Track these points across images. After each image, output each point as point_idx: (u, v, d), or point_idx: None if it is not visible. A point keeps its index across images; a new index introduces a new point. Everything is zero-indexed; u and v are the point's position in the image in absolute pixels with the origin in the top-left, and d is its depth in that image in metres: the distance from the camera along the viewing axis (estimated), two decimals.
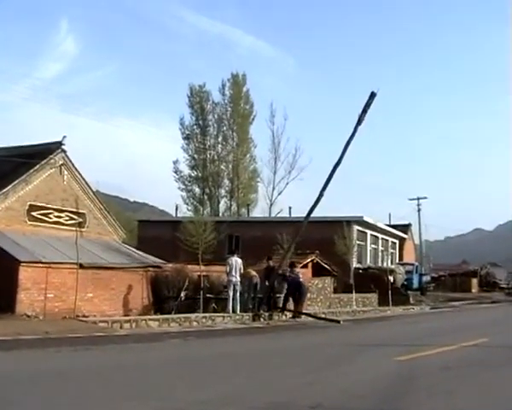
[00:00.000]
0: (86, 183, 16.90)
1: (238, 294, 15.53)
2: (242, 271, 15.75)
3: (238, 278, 15.55)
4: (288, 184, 43.45)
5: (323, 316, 16.63)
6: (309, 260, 21.24)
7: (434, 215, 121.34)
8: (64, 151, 15.93)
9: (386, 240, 34.78)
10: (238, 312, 15.32)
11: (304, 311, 16.76)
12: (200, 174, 43.35)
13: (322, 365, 7.41)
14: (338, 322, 15.10)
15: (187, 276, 16.17)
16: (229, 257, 16.39)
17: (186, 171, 43.67)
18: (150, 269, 16.21)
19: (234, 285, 15.53)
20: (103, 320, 12.30)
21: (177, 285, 15.82)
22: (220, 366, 7.19)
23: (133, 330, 12.03)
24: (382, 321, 17.67)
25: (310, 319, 16.00)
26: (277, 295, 16.90)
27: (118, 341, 9.73)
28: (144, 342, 10.01)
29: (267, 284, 16.29)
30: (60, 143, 15.78)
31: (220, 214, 42.45)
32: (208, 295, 15.87)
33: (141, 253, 17.68)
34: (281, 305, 16.89)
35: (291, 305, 17.00)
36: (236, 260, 15.84)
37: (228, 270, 15.68)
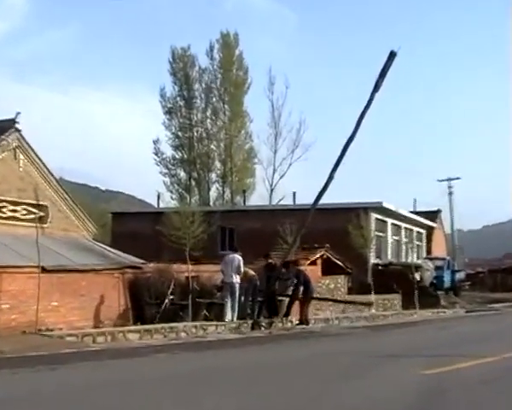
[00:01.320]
0: (47, 169, 16.87)
1: (235, 298, 15.61)
2: (242, 270, 15.79)
3: (235, 279, 15.55)
4: (291, 165, 43.67)
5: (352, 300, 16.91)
6: (318, 255, 21.31)
7: (469, 200, 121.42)
8: (18, 130, 15.84)
9: (411, 230, 34.92)
10: (234, 319, 15.39)
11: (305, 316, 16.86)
12: (185, 156, 43.41)
13: (330, 378, 7.47)
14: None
15: (172, 278, 16.26)
16: (226, 254, 16.37)
17: (169, 152, 43.93)
18: (128, 271, 16.28)
19: (230, 288, 15.53)
20: (72, 334, 12.36)
21: (161, 289, 15.89)
22: (213, 383, 7.23)
23: (109, 344, 12.11)
24: (407, 327, 17.82)
25: (319, 325, 16.10)
26: (280, 298, 16.97)
27: (90, 357, 9.79)
28: (122, 358, 10.06)
29: (270, 284, 16.33)
30: (13, 121, 15.68)
31: (211, 203, 42.57)
32: (198, 300, 15.97)
33: (116, 251, 17.71)
34: (284, 310, 17.01)
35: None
36: (234, 258, 15.85)
37: (222, 269, 15.75)
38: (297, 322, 16.78)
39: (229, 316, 15.38)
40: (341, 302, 20.92)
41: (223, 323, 15.09)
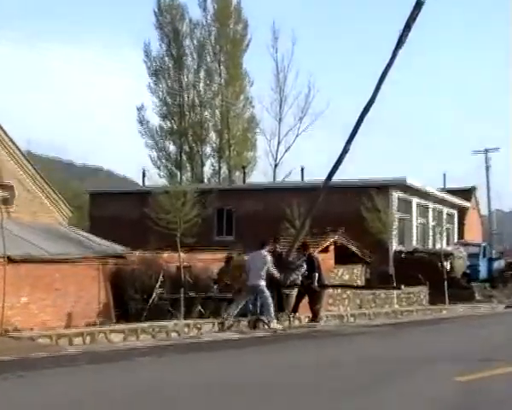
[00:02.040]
0: (12, 141, 16.81)
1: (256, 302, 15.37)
2: (270, 270, 15.32)
3: (259, 283, 15.08)
4: (298, 136, 43.75)
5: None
6: (330, 241, 21.31)
7: (510, 175, 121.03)
8: None
9: (440, 211, 35.02)
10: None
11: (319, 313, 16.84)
12: (175, 126, 43.40)
13: (346, 389, 7.47)
14: (398, 288, 16.14)
15: (161, 269, 16.34)
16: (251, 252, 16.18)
17: (156, 121, 43.89)
18: (109, 261, 16.35)
19: (252, 291, 15.31)
20: (44, 335, 12.40)
21: (148, 282, 15.98)
22: (210, 392, 7.23)
23: (87, 346, 12.17)
24: (435, 325, 17.89)
25: (332, 323, 16.16)
26: (286, 292, 17.03)
27: (65, 362, 9.82)
28: (102, 362, 10.10)
29: (276, 276, 16.25)
30: None
31: (205, 181, 42.67)
32: (192, 295, 16.02)
33: (95, 238, 17.77)
34: (292, 305, 17.04)
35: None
36: (258, 255, 15.40)
37: (247, 269, 15.55)
38: (307, 319, 16.83)
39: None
40: (362, 288, 20.91)
41: (221, 320, 15.16)
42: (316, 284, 16.48)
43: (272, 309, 15.22)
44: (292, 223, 20.51)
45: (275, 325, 15.18)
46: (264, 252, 15.47)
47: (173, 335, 13.83)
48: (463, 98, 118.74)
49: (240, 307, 15.50)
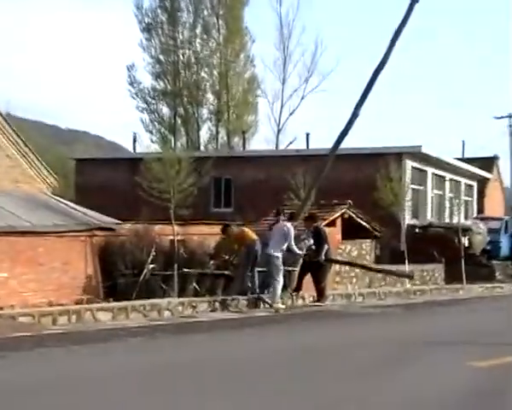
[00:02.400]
0: None
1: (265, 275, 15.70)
2: (291, 244, 15.69)
3: (276, 253, 15.49)
4: (304, 98, 43.52)
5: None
6: (337, 214, 21.30)
7: None
8: None
9: (458, 182, 34.98)
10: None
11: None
12: (169, 86, 43.11)
13: (350, 374, 7.51)
14: (410, 277, 16.47)
15: (153, 242, 16.29)
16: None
17: (148, 81, 43.56)
18: (97, 233, 16.30)
19: (267, 260, 15.63)
20: (26, 313, 12.41)
21: (139, 256, 15.94)
22: (206, 376, 7.26)
23: (73, 325, 12.17)
24: (450, 307, 17.96)
25: (338, 303, 16.20)
26: (289, 269, 17.10)
27: (49, 343, 9.84)
28: (89, 343, 10.13)
29: (297, 253, 16.26)
30: None
31: (202, 147, 42.58)
32: (186, 271, 16.06)
33: (82, 209, 17.73)
34: (295, 282, 17.16)
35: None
36: (278, 226, 15.84)
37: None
38: (312, 298, 16.90)
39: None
40: (373, 270, 20.96)
41: (218, 298, 15.24)
42: (322, 257, 16.65)
43: (280, 289, 15.43)
44: (296, 193, 20.49)
45: (278, 305, 15.29)
46: (287, 224, 15.74)
47: (166, 314, 13.86)
48: (486, 55, 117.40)
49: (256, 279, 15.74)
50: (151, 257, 15.94)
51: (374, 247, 23.77)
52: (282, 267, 15.65)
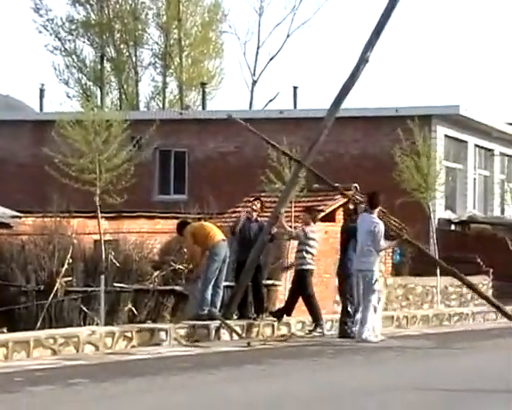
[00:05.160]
0: None
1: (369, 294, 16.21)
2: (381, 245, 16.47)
3: (369, 266, 16.11)
4: (289, 36, 44.04)
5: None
6: (338, 204, 21.43)
7: None
8: None
9: None
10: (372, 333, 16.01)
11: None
12: (93, 16, 43.20)
13: None
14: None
15: (69, 244, 16.27)
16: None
17: (62, 8, 44.17)
18: None
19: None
20: None
21: (48, 266, 15.93)
22: None
23: None
24: (502, 338, 17.98)
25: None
26: (269, 283, 17.14)
27: None
28: None
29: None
30: None
31: (142, 106, 42.67)
32: (118, 287, 16.13)
33: None
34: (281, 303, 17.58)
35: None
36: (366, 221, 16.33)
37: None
38: (301, 324, 17.37)
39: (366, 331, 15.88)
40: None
41: (165, 326, 15.27)
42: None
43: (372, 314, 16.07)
44: (278, 174, 20.43)
45: (371, 337, 15.78)
46: (375, 217, 16.39)
47: (88, 349, 13.76)
48: None
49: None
50: (66, 266, 15.85)
51: (391, 250, 23.80)
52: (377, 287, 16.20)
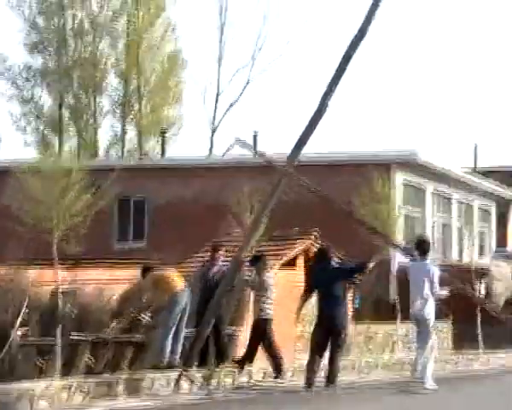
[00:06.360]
0: None
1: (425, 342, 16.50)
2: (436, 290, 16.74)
3: (425, 314, 16.53)
4: (249, 83, 44.45)
5: None
6: (298, 250, 21.41)
7: None
8: None
9: (470, 205, 35.55)
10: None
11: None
12: (51, 63, 43.26)
13: None
14: None
15: (25, 295, 16.03)
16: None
17: (20, 56, 43.85)
18: None
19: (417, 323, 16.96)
20: None
21: (2, 317, 15.69)
22: None
23: None
24: (461, 387, 18.11)
25: (302, 379, 16.38)
26: (229, 331, 17.46)
27: None
28: None
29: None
30: None
31: (101, 154, 42.62)
32: (76, 337, 15.88)
33: None
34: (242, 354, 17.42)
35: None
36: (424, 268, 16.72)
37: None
38: (263, 374, 17.30)
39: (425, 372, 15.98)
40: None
41: (123, 377, 15.05)
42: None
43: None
44: (238, 220, 20.37)
45: (429, 385, 15.82)
46: (429, 263, 16.88)
47: (42, 405, 13.36)
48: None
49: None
50: (21, 317, 15.63)
51: (352, 297, 23.77)
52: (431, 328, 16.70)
